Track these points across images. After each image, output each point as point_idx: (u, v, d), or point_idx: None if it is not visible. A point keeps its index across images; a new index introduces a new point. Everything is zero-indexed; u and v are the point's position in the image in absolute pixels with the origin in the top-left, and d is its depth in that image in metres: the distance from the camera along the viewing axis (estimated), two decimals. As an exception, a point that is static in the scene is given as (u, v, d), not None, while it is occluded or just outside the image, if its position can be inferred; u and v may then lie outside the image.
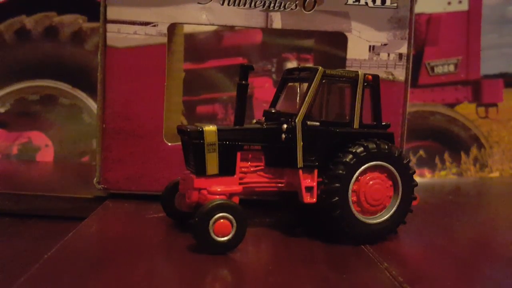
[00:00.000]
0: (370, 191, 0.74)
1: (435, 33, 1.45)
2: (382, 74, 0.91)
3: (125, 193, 0.93)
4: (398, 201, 0.76)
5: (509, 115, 1.49)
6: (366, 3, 0.91)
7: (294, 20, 0.92)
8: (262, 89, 1.38)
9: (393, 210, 0.76)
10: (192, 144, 0.72)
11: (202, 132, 0.72)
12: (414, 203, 0.78)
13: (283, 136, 0.74)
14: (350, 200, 0.73)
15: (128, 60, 0.91)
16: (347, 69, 0.90)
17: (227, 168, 0.73)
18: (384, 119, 0.80)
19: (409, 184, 0.76)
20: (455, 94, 1.47)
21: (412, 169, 0.77)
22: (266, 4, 0.91)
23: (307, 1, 0.91)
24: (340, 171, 0.72)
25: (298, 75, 0.81)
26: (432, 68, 1.46)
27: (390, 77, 0.93)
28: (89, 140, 1.37)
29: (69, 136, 1.38)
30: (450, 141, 1.47)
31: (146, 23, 0.91)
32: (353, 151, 0.73)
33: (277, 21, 0.92)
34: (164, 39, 0.91)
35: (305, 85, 0.77)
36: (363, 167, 0.73)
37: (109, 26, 0.91)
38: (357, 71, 0.77)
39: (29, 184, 1.11)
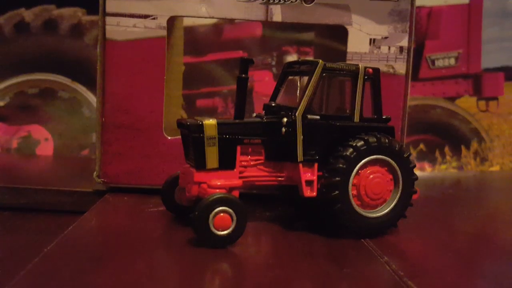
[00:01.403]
0: (371, 185, 0.74)
1: (436, 26, 1.44)
2: (383, 68, 0.90)
3: (124, 187, 0.93)
4: (399, 195, 0.76)
5: (510, 109, 1.48)
6: (367, -4, 0.91)
7: (295, 13, 0.91)
8: (262, 83, 1.38)
9: (393, 204, 0.76)
10: (192, 138, 0.72)
11: (202, 125, 0.71)
12: (414, 197, 0.77)
13: (283, 129, 0.74)
14: (350, 194, 0.73)
15: (128, 53, 0.91)
16: (347, 62, 0.90)
17: (227, 162, 0.73)
18: (384, 113, 0.79)
19: (410, 178, 0.76)
20: (456, 88, 1.47)
21: (413, 163, 0.77)
22: (266, -3, 0.91)
23: (307, -6, 0.90)
24: (341, 165, 0.72)
25: (298, 69, 0.81)
26: (433, 62, 1.45)
27: (391, 70, 0.93)
28: (89, 133, 1.37)
29: (68, 129, 1.37)
30: (450, 135, 1.47)
31: (145, 16, 0.90)
32: (354, 144, 0.73)
33: (277, 14, 0.91)
34: (164, 32, 0.91)
35: (306, 78, 0.76)
36: (363, 161, 0.73)
37: (109, 19, 0.90)
38: (358, 64, 0.77)
39: (29, 178, 1.11)
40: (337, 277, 0.61)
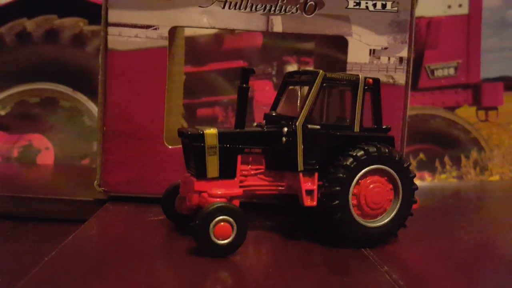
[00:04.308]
0: (371, 195, 0.74)
1: (435, 37, 1.45)
2: (383, 78, 0.91)
3: (125, 196, 0.93)
4: (399, 204, 0.76)
5: (509, 119, 1.49)
6: (367, 7, 0.92)
7: (295, 24, 0.92)
8: (263, 92, 1.38)
9: (393, 214, 0.76)
10: (193, 147, 0.72)
11: (202, 135, 0.72)
12: (414, 206, 0.78)
13: (284, 139, 0.74)
14: (350, 203, 0.73)
15: (129, 63, 0.91)
16: (347, 72, 0.90)
17: (227, 171, 0.73)
18: (384, 123, 0.80)
19: (410, 188, 0.76)
20: (455, 97, 1.47)
21: (413, 172, 0.77)
22: (267, 8, 0.91)
23: (307, 5, 0.91)
24: (341, 175, 0.72)
25: (299, 78, 0.81)
26: (432, 71, 1.46)
27: (391, 80, 0.93)
28: (90, 142, 1.37)
29: (69, 138, 1.38)
30: (450, 144, 1.47)
31: (147, 26, 0.91)
32: (354, 154, 0.73)
33: (277, 24, 0.92)
34: (165, 42, 0.91)
35: (306, 88, 0.77)
36: (363, 171, 0.73)
37: (110, 29, 0.91)
38: (358, 75, 0.77)
39: (30, 187, 1.11)
40: (337, 286, 0.61)
